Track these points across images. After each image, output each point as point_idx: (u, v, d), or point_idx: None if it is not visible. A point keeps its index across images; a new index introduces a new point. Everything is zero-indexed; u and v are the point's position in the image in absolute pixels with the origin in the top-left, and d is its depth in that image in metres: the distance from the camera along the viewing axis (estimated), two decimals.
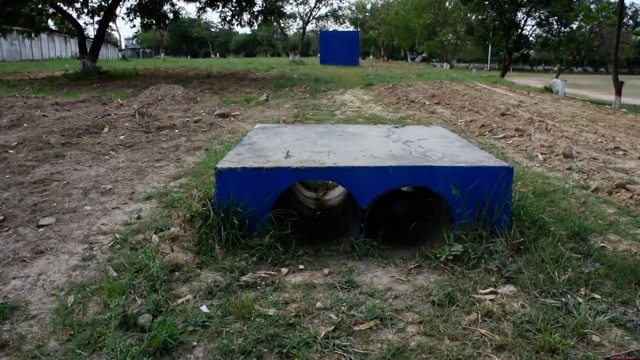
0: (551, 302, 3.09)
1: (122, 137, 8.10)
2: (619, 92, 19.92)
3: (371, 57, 75.86)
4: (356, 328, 2.79)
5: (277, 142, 4.75)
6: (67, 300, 3.03)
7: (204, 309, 2.93)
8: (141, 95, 13.58)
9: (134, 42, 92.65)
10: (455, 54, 60.32)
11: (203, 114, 11.16)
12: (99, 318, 2.79)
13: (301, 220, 4.57)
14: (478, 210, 3.85)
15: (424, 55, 72.72)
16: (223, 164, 3.80)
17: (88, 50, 23.16)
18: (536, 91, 22.40)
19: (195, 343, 2.62)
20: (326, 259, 3.76)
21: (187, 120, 9.94)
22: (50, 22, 29.85)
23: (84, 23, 30.76)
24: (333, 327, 2.78)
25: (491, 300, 3.12)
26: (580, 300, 3.10)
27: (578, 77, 43.69)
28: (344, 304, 3.05)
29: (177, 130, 9.02)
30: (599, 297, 3.18)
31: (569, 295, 3.17)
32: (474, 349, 2.61)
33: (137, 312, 2.80)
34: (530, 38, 39.49)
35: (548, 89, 22.76)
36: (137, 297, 3.02)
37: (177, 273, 3.36)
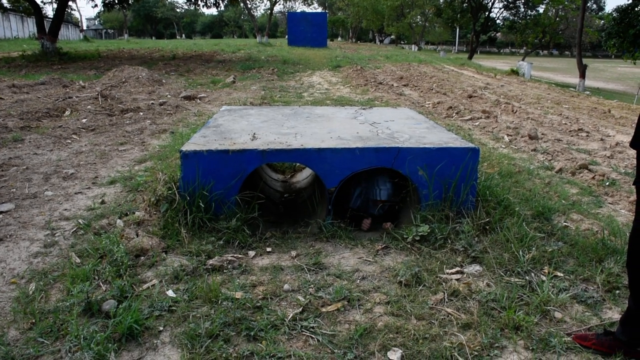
0: (516, 280, 3.17)
1: (84, 121, 7.87)
2: (582, 75, 20.49)
3: (339, 39, 75.47)
4: (324, 309, 2.80)
5: (243, 124, 4.69)
6: (28, 288, 2.93)
7: (170, 293, 2.89)
8: (104, 78, 13.21)
9: (96, 22, 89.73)
10: (424, 36, 60.54)
11: (168, 96, 10.94)
12: (62, 305, 2.72)
13: (268, 203, 4.55)
14: (445, 191, 3.90)
15: (392, 37, 72.82)
16: (188, 147, 3.73)
17: (47, 30, 22.27)
18: (503, 74, 22.80)
19: (161, 328, 2.59)
20: (294, 241, 3.76)
21: (152, 103, 9.73)
22: (4, 0, 28.54)
23: (42, 1, 29.43)
24: (301, 309, 2.79)
25: (457, 279, 3.18)
26: (544, 278, 3.19)
27: (543, 60, 44.57)
28: (312, 285, 3.06)
29: (141, 113, 8.82)
30: (562, 275, 3.28)
31: (532, 274, 3.25)
32: (441, 328, 2.66)
33: (101, 298, 2.74)
34: (498, 21, 40.01)
35: (514, 72, 23.19)
36: (101, 283, 2.96)
37: (142, 258, 3.30)
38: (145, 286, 2.97)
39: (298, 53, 28.12)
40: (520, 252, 3.43)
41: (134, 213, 3.93)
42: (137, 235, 3.52)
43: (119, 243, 3.36)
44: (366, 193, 4.20)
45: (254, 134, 4.20)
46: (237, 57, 24.55)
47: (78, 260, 3.24)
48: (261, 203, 3.95)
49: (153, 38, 74.17)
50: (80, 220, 3.93)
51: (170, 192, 3.82)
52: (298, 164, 5.76)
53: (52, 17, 25.08)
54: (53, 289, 2.94)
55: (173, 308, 2.75)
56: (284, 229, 4.00)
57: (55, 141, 6.56)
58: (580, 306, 2.96)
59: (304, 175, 5.56)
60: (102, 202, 4.37)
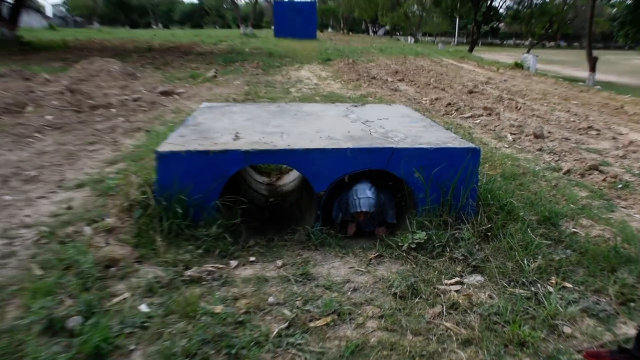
0: (520, 292, 3.18)
1: (49, 117, 7.78)
2: (593, 68, 20.54)
3: (330, 30, 75.66)
4: (312, 324, 2.79)
5: (225, 122, 4.68)
6: None
7: (144, 308, 2.86)
8: (72, 70, 13.07)
9: (63, 9, 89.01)
10: (421, 27, 60.93)
11: (143, 91, 10.87)
12: (19, 324, 2.66)
13: (252, 208, 4.53)
14: (443, 195, 3.92)
15: (386, 28, 73.15)
16: (165, 147, 3.71)
17: (6, 16, 21.92)
18: (506, 67, 22.94)
19: (133, 346, 2.56)
20: (279, 250, 3.75)
21: (126, 99, 9.66)
22: None
23: None
24: (287, 323, 2.77)
25: (457, 291, 3.18)
26: (551, 289, 3.20)
27: (550, 52, 44.86)
28: (299, 298, 3.05)
29: (113, 110, 8.75)
30: (571, 285, 3.28)
31: (539, 285, 3.26)
32: (439, 344, 2.66)
33: (65, 314, 2.70)
34: (501, 10, 40.37)
35: (518, 65, 23.32)
36: (65, 298, 2.92)
37: (112, 269, 3.27)
38: (115, 300, 2.94)
39: (285, 45, 28.13)
40: (525, 261, 3.44)
41: (103, 219, 3.89)
42: (107, 244, 3.49)
43: (87, 253, 3.32)
44: (346, 205, 4.15)
45: (237, 133, 4.19)
46: (218, 49, 24.50)
47: (40, 272, 3.19)
48: (244, 208, 3.93)
49: (127, 27, 73.71)
50: (43, 228, 3.88)
51: (144, 196, 3.79)
52: (284, 166, 5.75)
53: (11, 1, 24.50)
54: (10, 305, 2.88)
55: (146, 324, 2.72)
56: (269, 237, 3.98)
57: (15, 140, 6.48)
58: (591, 320, 2.96)
59: (291, 178, 5.55)
60: (69, 208, 4.32)
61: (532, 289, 3.21)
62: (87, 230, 3.76)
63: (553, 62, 31.31)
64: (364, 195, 3.99)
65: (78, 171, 5.38)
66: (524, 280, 3.29)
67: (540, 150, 7.23)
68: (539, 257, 3.52)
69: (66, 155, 5.96)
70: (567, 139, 8.07)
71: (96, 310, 2.80)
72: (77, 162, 5.71)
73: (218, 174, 3.70)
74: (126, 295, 3.00)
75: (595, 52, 20.93)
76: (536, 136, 7.92)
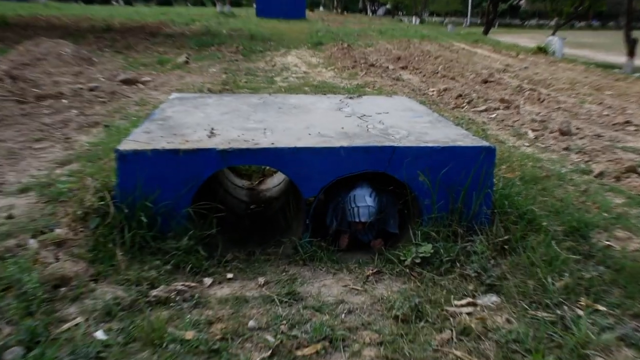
0: (544, 315, 3.17)
1: None
2: (631, 53, 20.13)
3: (321, 8, 75.90)
4: (299, 353, 2.80)
5: (198, 116, 4.68)
6: None
7: (100, 335, 2.85)
8: (13, 53, 12.96)
9: None
10: (427, 6, 61.23)
11: (101, 79, 10.85)
12: None
13: (230, 217, 4.54)
14: (452, 202, 3.94)
15: (387, 7, 73.44)
16: (127, 145, 3.70)
17: None
18: (527, 52, 23.02)
19: None
20: (262, 265, 3.76)
21: (80, 88, 9.63)
22: None
23: None
24: (269, 352, 2.78)
25: (469, 313, 3.19)
26: (581, 312, 3.18)
27: (581, 34, 44.73)
28: (284, 321, 3.05)
29: (65, 101, 8.72)
30: (604, 308, 3.27)
31: (565, 307, 3.25)
32: None
33: (2, 345, 2.67)
34: None
35: (542, 50, 23.39)
36: (3, 325, 2.88)
37: (63, 289, 3.24)
38: (65, 326, 2.92)
39: (269, 26, 28.16)
40: (550, 279, 3.43)
41: (52, 230, 3.87)
42: (57, 260, 3.47)
43: (31, 270, 3.29)
44: (342, 212, 4.18)
45: (212, 129, 4.19)
46: (191, 30, 24.48)
47: None
48: (221, 216, 3.94)
49: (80, 3, 73.36)
50: None
51: (102, 203, 3.78)
52: (268, 168, 5.76)
53: None
54: None
55: (103, 354, 2.71)
56: (250, 250, 3.99)
57: None
58: (629, 350, 2.94)
59: (276, 182, 5.56)
60: (9, 217, 4.29)
61: (558, 312, 3.20)
62: (32, 243, 3.73)
63: (583, 45, 31.29)
64: (363, 203, 4.02)
65: (21, 173, 5.35)
66: (547, 301, 3.28)
67: (567, 149, 7.25)
68: (566, 274, 3.51)
69: (6, 154, 5.92)
70: (599, 136, 8.09)
71: (41, 339, 2.77)
72: (20, 163, 5.68)
73: (190, 176, 3.70)
74: (79, 320, 2.97)
75: (634, 33, 20.72)
76: (562, 133, 7.95)
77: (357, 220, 4.02)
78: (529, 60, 19.63)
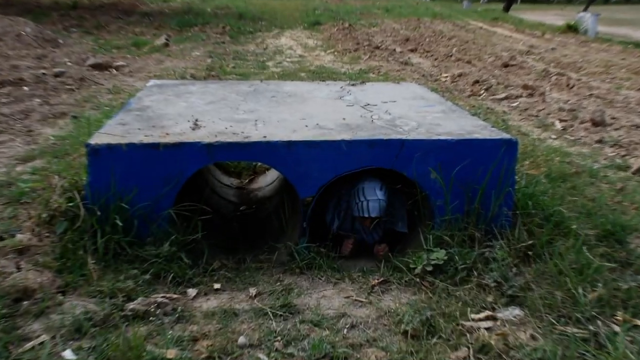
0: (574, 331, 3.16)
1: None
2: None
3: None
4: None
5: (181, 106, 4.69)
6: None
7: (68, 355, 2.85)
8: None
9: None
10: None
11: (68, 63, 10.83)
12: None
13: (217, 219, 4.54)
14: (468, 202, 3.94)
15: None
16: (100, 139, 3.70)
17: None
18: (554, 31, 23.00)
19: None
20: (253, 274, 3.76)
21: (44, 73, 9.61)
22: None
23: None
24: None
25: (488, 328, 3.19)
26: (617, 328, 3.17)
27: (617, 10, 44.28)
28: (279, 338, 3.06)
29: (26, 88, 8.69)
30: None
31: (599, 322, 3.23)
32: None
33: None
34: None
35: (572, 28, 23.32)
36: None
37: (25, 303, 3.23)
38: (28, 345, 2.90)
39: (260, 4, 28.15)
40: (580, 290, 3.41)
41: (14, 236, 3.86)
42: (19, 269, 3.46)
43: None
44: (347, 206, 4.19)
45: (197, 120, 4.19)
46: (170, 8, 24.46)
47: None
48: (207, 219, 3.94)
49: None
50: None
51: (71, 204, 3.77)
52: (260, 164, 5.76)
53: None
54: None
55: None
56: (240, 257, 3.99)
57: None
58: None
59: (268, 180, 5.57)
60: None
61: (591, 327, 3.18)
62: None
63: (620, 22, 31.06)
64: (373, 196, 4.02)
65: None
66: (578, 315, 3.27)
67: (600, 142, 7.24)
68: (599, 285, 3.49)
69: None
70: (638, 126, 8.06)
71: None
72: None
73: (171, 174, 3.69)
74: (44, 338, 2.96)
75: None
76: (595, 123, 7.93)
77: (365, 215, 4.02)
78: (556, 41, 19.61)
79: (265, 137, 3.82)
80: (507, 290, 3.53)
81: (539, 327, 3.22)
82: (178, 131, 3.91)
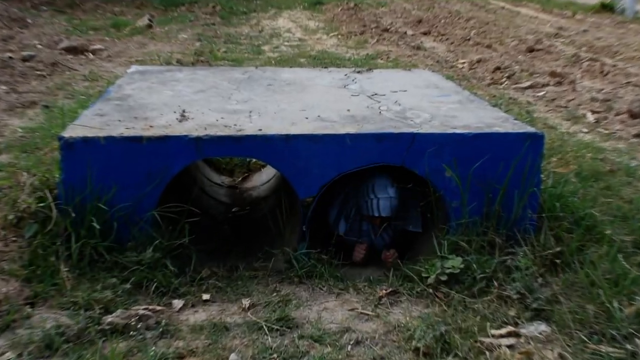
0: (608, 350, 3.14)
1: None
2: None
3: None
4: None
5: (166, 95, 4.70)
6: None
7: None
8: None
9: None
10: None
11: (38, 46, 10.84)
12: None
13: (207, 222, 4.55)
14: (487, 203, 3.95)
15: None
16: (75, 131, 3.71)
17: None
18: (587, 11, 22.81)
19: None
20: (246, 284, 3.77)
21: (10, 57, 9.60)
22: None
23: None
24: None
25: (509, 346, 3.19)
26: None
27: None
28: (275, 355, 3.06)
29: None
30: None
31: (637, 340, 3.22)
32: None
33: None
34: None
35: (607, 7, 23.06)
36: None
37: None
38: None
39: None
40: (616, 304, 3.38)
41: None
42: None
43: None
44: (357, 205, 4.18)
45: (184, 111, 4.20)
46: None
47: None
48: (195, 222, 3.95)
49: None
50: None
51: (41, 204, 3.78)
52: (254, 160, 5.77)
53: None
54: None
55: None
56: (232, 264, 4.01)
57: None
58: None
59: (264, 178, 5.58)
60: None
61: (628, 346, 3.15)
62: None
63: None
64: (385, 194, 4.04)
65: None
66: (613, 332, 3.24)
67: (638, 136, 7.21)
68: (638, 298, 3.47)
69: None
70: None
71: None
72: None
73: (156, 171, 3.71)
74: (9, 355, 2.97)
75: None
76: (633, 115, 7.85)
77: (375, 214, 4.04)
78: (589, 22, 19.48)
79: (260, 130, 3.83)
80: (532, 303, 3.52)
81: (568, 345, 3.21)
82: (163, 123, 3.92)
